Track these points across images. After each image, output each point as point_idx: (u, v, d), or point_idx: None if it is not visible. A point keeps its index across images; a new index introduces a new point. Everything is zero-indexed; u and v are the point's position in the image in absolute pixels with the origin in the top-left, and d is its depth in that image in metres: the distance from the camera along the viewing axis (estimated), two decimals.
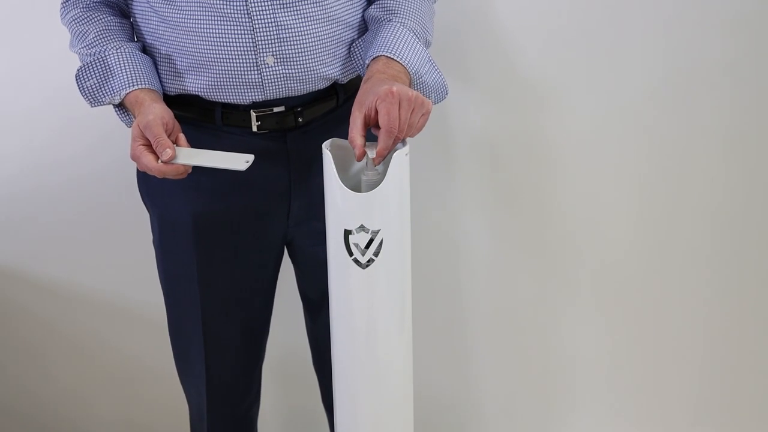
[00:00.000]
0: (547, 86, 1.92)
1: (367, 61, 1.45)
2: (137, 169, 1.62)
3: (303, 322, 1.83)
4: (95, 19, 1.51)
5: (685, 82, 1.89)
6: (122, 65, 1.46)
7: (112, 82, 1.45)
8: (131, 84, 1.45)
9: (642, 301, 2.08)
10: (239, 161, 1.35)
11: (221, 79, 1.47)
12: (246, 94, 1.48)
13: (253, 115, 1.50)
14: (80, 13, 1.52)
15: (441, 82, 1.51)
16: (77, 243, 2.14)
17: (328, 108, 1.56)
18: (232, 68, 1.45)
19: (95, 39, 1.49)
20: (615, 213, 2.01)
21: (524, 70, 1.91)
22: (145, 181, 1.63)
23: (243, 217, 1.56)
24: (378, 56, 1.44)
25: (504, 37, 1.89)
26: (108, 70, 1.46)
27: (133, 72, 1.46)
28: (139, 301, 2.16)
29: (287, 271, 1.73)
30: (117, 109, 1.50)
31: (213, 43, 1.44)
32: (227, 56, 1.45)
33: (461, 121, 1.97)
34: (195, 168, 1.42)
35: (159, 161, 1.35)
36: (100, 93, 1.47)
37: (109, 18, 1.51)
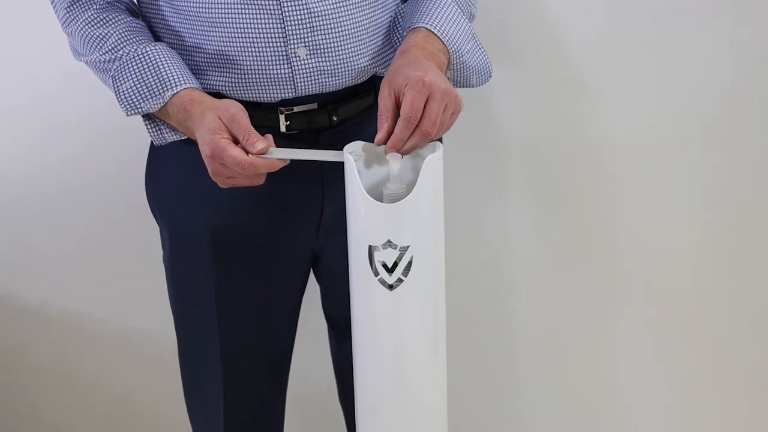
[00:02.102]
0: (603, 79, 1.88)
1: (404, 32, 1.44)
2: (146, 176, 1.59)
3: (327, 347, 1.80)
4: (115, 20, 1.45)
5: (757, 78, 1.84)
6: (169, 61, 1.41)
7: (161, 79, 1.39)
8: (185, 81, 1.40)
9: (708, 326, 2.02)
10: (340, 154, 1.31)
11: (246, 75, 1.43)
12: (274, 90, 1.43)
13: (282, 113, 1.46)
14: (95, 15, 1.45)
15: (484, 62, 1.50)
16: (70, 262, 2.12)
17: (365, 104, 1.52)
18: (259, 62, 1.41)
19: (120, 40, 1.43)
20: (677, 224, 1.96)
21: (576, 59, 1.87)
22: (154, 188, 1.58)
23: (268, 228, 1.51)
24: (418, 27, 1.42)
25: (553, 22, 1.86)
26: (153, 67, 1.40)
27: (183, 68, 1.42)
28: (142, 329, 2.15)
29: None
30: (148, 121, 1.45)
31: (237, 34, 1.40)
32: (253, 48, 1.41)
33: (503, 118, 1.93)
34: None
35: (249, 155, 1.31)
36: (139, 96, 1.40)
37: (128, 18, 1.46)
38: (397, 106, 1.30)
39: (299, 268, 1.59)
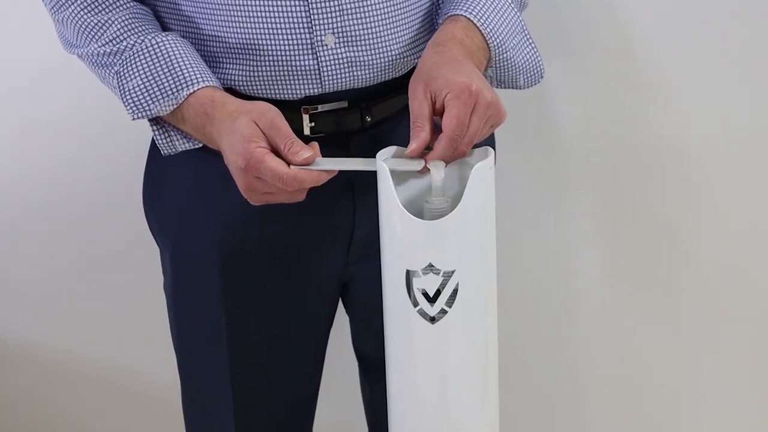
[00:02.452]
0: (683, 74, 1.82)
1: (440, 20, 1.37)
2: (144, 187, 1.54)
3: (358, 391, 1.74)
4: (116, 5, 1.38)
5: None
6: (184, 54, 1.34)
7: (175, 75, 1.32)
8: (203, 78, 1.33)
9: None
10: (372, 162, 1.28)
11: (265, 67, 1.36)
12: (297, 85, 1.37)
13: (306, 113, 1.39)
14: None
15: (534, 60, 1.44)
16: (50, 289, 2.07)
17: (404, 102, 1.41)
18: (280, 51, 1.35)
19: (124, 29, 1.35)
20: None
21: (649, 50, 1.81)
22: (154, 201, 1.52)
23: (289, 249, 1.45)
24: (457, 15, 1.36)
25: (619, 6, 1.80)
26: (165, 61, 1.33)
27: (200, 63, 1.35)
28: (139, 371, 2.12)
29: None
30: (156, 126, 1.38)
31: (253, 19, 1.34)
32: (273, 35, 1.34)
33: (564, 120, 1.89)
34: (225, 184, 1.32)
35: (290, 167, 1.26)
36: (148, 96, 1.33)
37: (131, 3, 1.40)
38: (434, 112, 1.27)
39: (326, 298, 1.52)
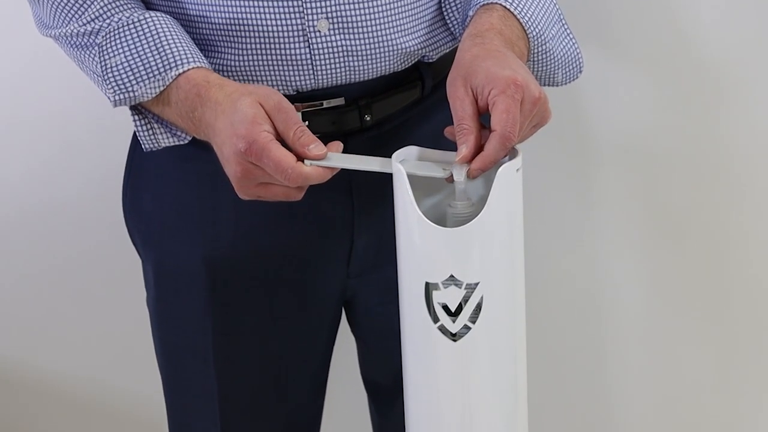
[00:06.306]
0: (740, 67, 1.80)
1: (471, 12, 1.34)
2: (123, 193, 1.52)
3: (366, 422, 1.73)
4: None
5: None
6: (173, 32, 1.33)
7: (163, 54, 1.32)
8: (194, 58, 1.32)
9: None
10: (388, 163, 1.27)
11: (254, 53, 1.36)
12: (288, 77, 1.37)
13: (299, 111, 1.36)
14: None
15: (574, 52, 1.42)
16: (28, 305, 2.07)
17: (409, 100, 1.44)
18: (269, 37, 1.35)
19: (107, 7, 1.35)
20: None
21: (701, 38, 1.81)
22: (134, 210, 1.50)
23: (283, 263, 1.45)
24: (492, 4, 1.34)
25: None
26: (152, 38, 1.32)
27: (190, 43, 1.34)
28: (130, 390, 2.11)
29: (340, 345, 1.59)
30: (138, 116, 1.37)
31: (239, 3, 1.34)
32: (261, 19, 1.35)
33: (603, 118, 1.88)
34: (211, 191, 1.36)
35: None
36: (132, 74, 1.32)
37: None
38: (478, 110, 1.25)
39: (324, 316, 1.51)
